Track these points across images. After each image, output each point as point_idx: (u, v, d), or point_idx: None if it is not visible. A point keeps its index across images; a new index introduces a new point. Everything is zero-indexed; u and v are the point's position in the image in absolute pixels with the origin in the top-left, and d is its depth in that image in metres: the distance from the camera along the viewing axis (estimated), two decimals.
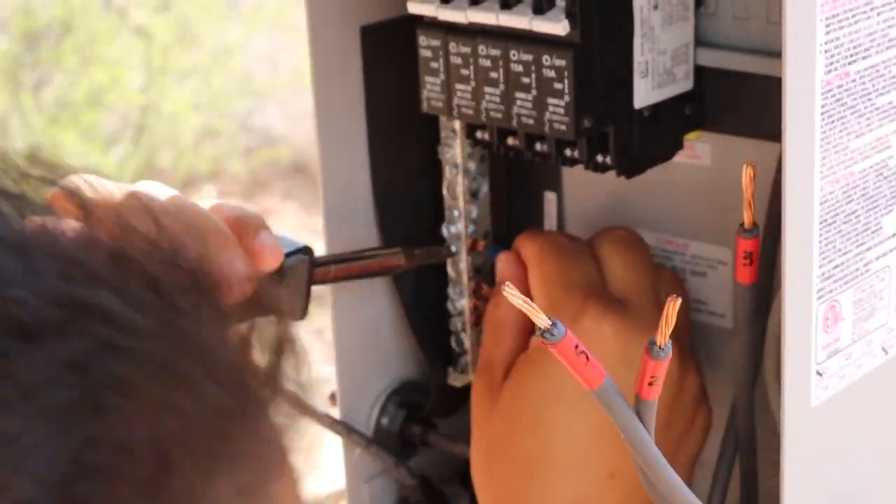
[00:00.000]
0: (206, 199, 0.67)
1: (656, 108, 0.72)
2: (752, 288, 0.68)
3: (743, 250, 0.67)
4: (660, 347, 0.54)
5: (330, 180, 0.79)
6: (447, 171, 0.81)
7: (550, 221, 0.83)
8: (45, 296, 0.40)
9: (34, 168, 0.47)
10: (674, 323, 0.54)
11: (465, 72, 0.72)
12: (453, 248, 0.82)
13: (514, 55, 0.70)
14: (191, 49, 3.38)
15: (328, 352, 0.82)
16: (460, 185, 0.81)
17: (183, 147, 3.37)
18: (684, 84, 0.73)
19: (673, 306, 0.53)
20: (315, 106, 0.77)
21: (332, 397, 0.82)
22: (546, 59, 0.69)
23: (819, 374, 0.66)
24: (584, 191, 0.82)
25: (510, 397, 0.75)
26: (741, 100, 0.72)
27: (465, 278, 0.82)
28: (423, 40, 0.73)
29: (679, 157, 0.75)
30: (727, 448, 0.74)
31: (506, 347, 0.76)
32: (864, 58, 0.64)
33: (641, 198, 0.79)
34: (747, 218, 0.67)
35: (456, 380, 0.84)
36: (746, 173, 0.66)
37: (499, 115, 0.71)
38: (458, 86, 0.72)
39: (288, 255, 0.70)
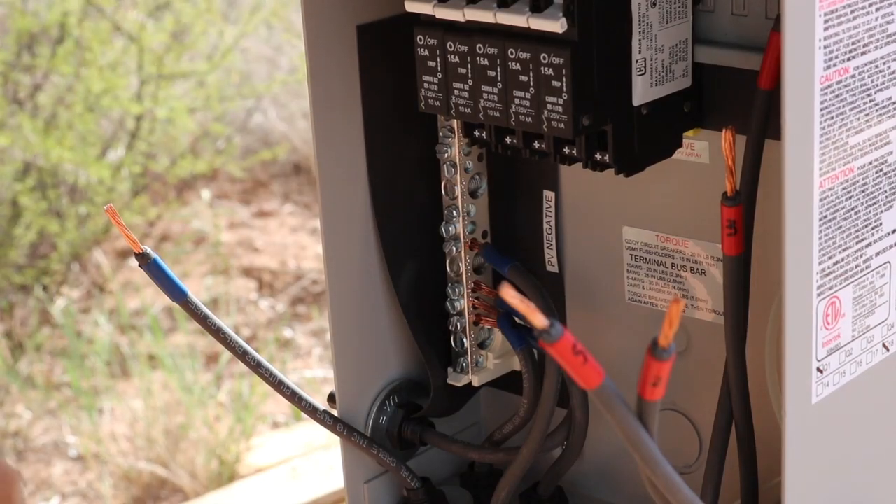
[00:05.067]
0: None
1: (655, 106, 0.72)
2: (738, 259, 0.68)
3: (726, 219, 0.67)
4: (663, 349, 0.54)
5: (327, 180, 0.78)
6: (445, 170, 0.81)
7: (549, 220, 0.83)
8: None
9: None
10: (677, 323, 0.53)
11: (462, 70, 0.71)
12: (454, 249, 0.81)
13: (511, 53, 0.69)
14: (187, 51, 3.38)
15: (327, 353, 0.82)
16: (458, 184, 0.81)
17: (180, 150, 3.37)
18: (683, 81, 0.73)
19: (676, 308, 0.53)
20: (312, 105, 0.77)
21: (331, 398, 0.82)
22: (544, 58, 0.68)
23: (819, 370, 0.66)
24: (582, 189, 0.82)
25: None
26: (740, 97, 0.72)
27: (464, 278, 0.82)
28: (420, 39, 0.73)
29: (678, 155, 0.75)
30: (718, 439, 0.74)
31: None
32: (862, 54, 0.64)
33: (640, 196, 0.79)
34: (729, 185, 0.67)
35: (455, 379, 0.83)
36: (726, 139, 0.66)
37: (497, 114, 0.71)
38: (456, 84, 0.72)
39: None
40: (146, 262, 0.75)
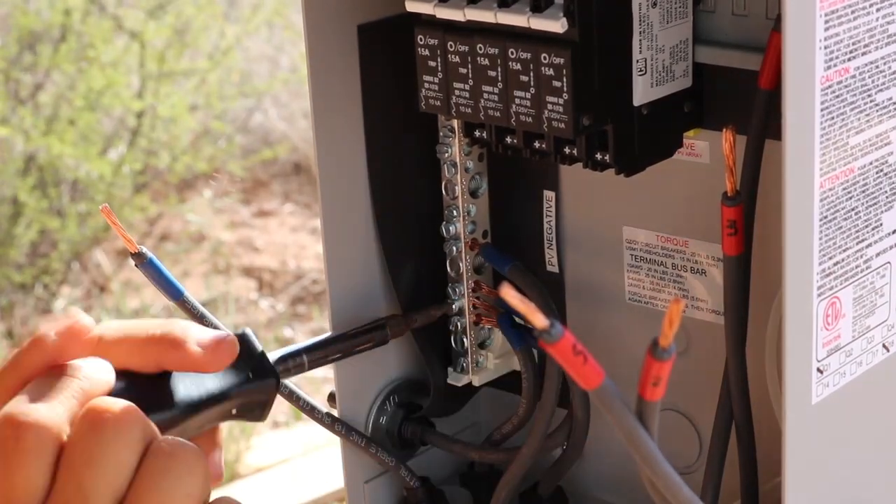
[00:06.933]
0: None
1: (655, 106, 0.72)
2: (739, 259, 0.68)
3: (727, 219, 0.67)
4: (663, 349, 0.54)
5: (327, 180, 0.78)
6: (446, 170, 0.81)
7: (549, 220, 0.83)
8: None
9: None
10: (677, 324, 0.53)
11: (463, 70, 0.71)
12: (454, 249, 0.81)
13: (512, 53, 0.69)
14: (188, 49, 3.38)
15: None
16: (459, 184, 0.81)
17: (180, 149, 3.37)
18: (683, 81, 0.72)
19: (676, 308, 0.53)
20: (312, 105, 0.77)
21: (332, 397, 0.82)
22: (544, 58, 0.68)
23: (820, 371, 0.66)
24: (583, 189, 0.82)
25: None
26: (740, 97, 0.72)
27: (464, 278, 0.82)
28: (420, 39, 0.73)
29: (678, 155, 0.75)
30: (717, 440, 0.74)
31: None
32: (863, 54, 0.64)
33: (640, 196, 0.79)
34: (729, 185, 0.67)
35: (455, 379, 0.83)
36: (726, 139, 0.66)
37: (497, 114, 0.71)
38: (456, 84, 0.72)
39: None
40: (142, 261, 0.75)
